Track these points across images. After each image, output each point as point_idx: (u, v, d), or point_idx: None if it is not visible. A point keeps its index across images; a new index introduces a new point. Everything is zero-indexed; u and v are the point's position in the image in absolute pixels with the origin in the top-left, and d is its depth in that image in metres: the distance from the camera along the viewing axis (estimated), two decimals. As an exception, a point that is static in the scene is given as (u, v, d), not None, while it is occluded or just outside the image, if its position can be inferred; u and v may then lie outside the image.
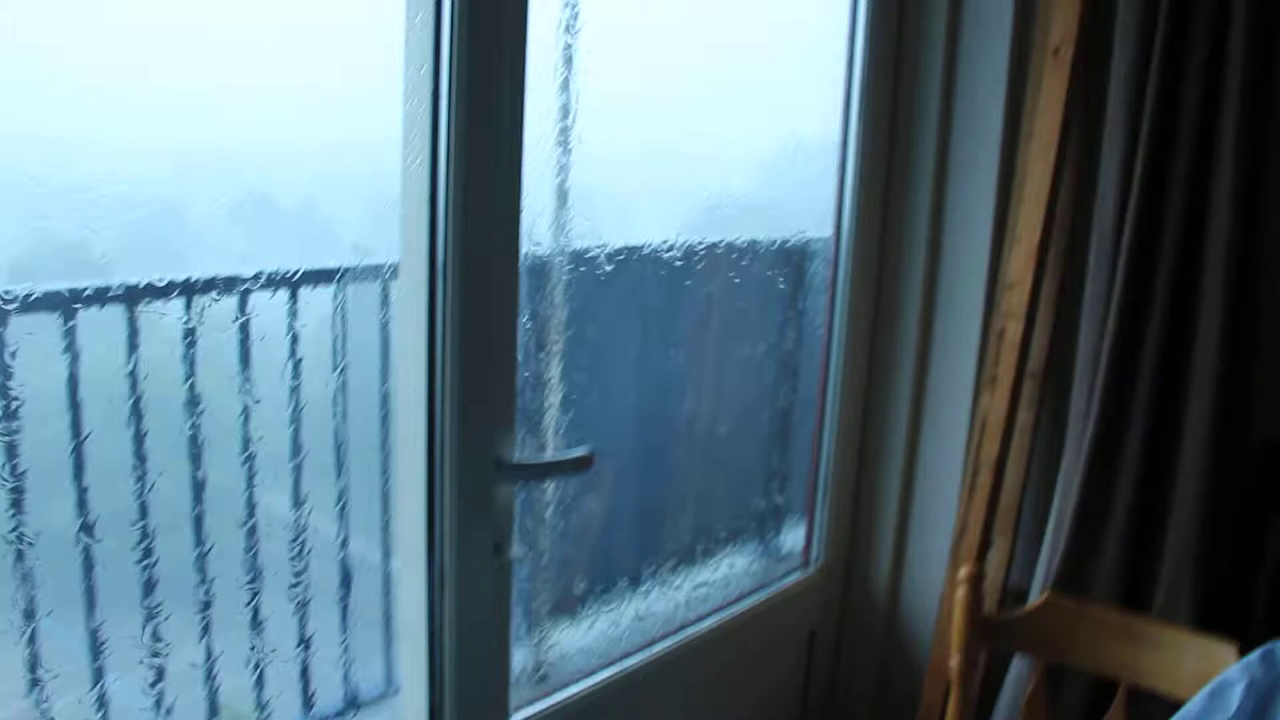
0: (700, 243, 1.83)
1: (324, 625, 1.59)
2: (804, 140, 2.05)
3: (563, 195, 1.58)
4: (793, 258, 2.08)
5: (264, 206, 1.43)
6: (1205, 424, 1.73)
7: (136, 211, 1.26)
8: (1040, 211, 1.87)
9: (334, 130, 1.37)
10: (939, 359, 2.09)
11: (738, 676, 2.03)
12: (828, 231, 2.08)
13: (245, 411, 1.43)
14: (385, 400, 1.57)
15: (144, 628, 1.37)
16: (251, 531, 1.49)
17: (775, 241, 2.02)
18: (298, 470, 1.54)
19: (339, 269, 1.44)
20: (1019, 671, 1.93)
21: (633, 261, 1.74)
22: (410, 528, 1.42)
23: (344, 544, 1.58)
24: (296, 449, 1.51)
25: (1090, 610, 1.68)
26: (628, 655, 1.79)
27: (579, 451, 1.51)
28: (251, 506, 1.48)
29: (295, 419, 1.51)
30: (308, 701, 1.61)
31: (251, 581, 1.49)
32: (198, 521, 1.44)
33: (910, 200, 2.07)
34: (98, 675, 1.37)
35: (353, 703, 1.62)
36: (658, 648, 1.83)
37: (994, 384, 1.94)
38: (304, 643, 1.56)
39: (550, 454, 1.62)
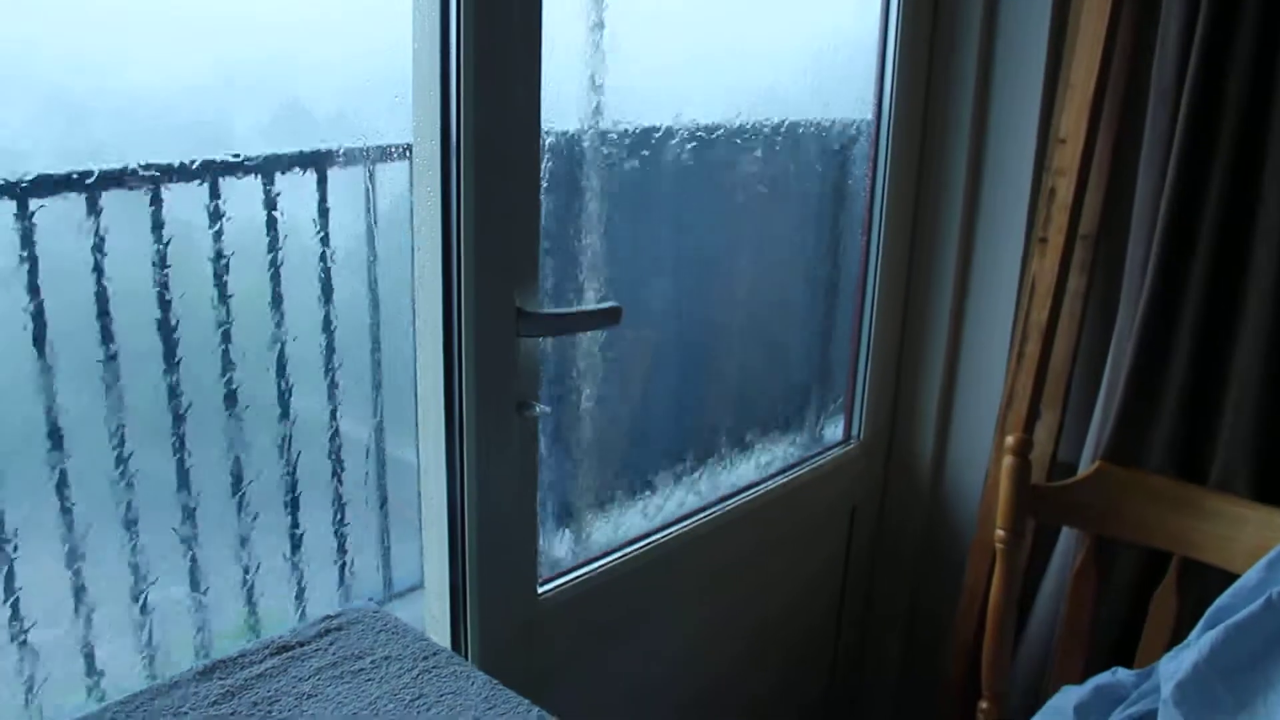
0: (738, 123, 1.75)
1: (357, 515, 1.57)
2: (845, 14, 1.95)
3: (596, 78, 1.50)
4: (834, 134, 1.97)
5: (301, 119, 1.40)
6: (1269, 287, 1.63)
7: (173, 124, 1.25)
8: (1095, 60, 1.74)
9: (365, 43, 1.34)
10: (986, 222, 1.99)
11: (775, 552, 2.00)
12: (869, 104, 1.98)
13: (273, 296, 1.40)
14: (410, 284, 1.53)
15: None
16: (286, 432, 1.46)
17: (816, 121, 1.92)
18: (329, 355, 1.51)
19: (344, 149, 1.39)
20: (1067, 544, 1.88)
21: (671, 141, 1.66)
22: (428, 385, 1.36)
23: (374, 435, 1.55)
24: (328, 331, 1.48)
25: (1143, 480, 1.62)
26: (663, 528, 1.75)
27: (607, 304, 1.44)
28: (285, 401, 1.45)
29: (326, 310, 1.48)
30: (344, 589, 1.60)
31: (290, 477, 1.46)
32: (230, 403, 1.41)
33: (956, 55, 1.95)
34: (137, 578, 1.36)
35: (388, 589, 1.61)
36: (693, 520, 1.79)
37: (1044, 246, 1.84)
38: (339, 535, 1.54)
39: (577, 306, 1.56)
